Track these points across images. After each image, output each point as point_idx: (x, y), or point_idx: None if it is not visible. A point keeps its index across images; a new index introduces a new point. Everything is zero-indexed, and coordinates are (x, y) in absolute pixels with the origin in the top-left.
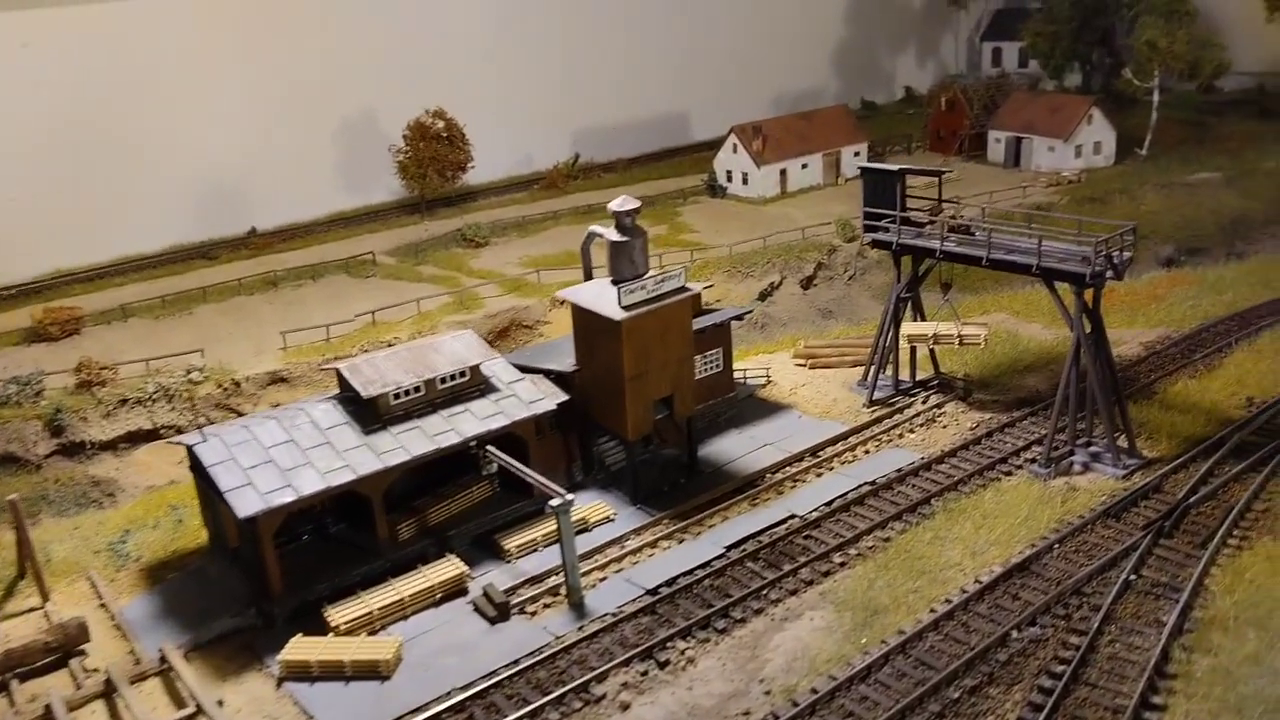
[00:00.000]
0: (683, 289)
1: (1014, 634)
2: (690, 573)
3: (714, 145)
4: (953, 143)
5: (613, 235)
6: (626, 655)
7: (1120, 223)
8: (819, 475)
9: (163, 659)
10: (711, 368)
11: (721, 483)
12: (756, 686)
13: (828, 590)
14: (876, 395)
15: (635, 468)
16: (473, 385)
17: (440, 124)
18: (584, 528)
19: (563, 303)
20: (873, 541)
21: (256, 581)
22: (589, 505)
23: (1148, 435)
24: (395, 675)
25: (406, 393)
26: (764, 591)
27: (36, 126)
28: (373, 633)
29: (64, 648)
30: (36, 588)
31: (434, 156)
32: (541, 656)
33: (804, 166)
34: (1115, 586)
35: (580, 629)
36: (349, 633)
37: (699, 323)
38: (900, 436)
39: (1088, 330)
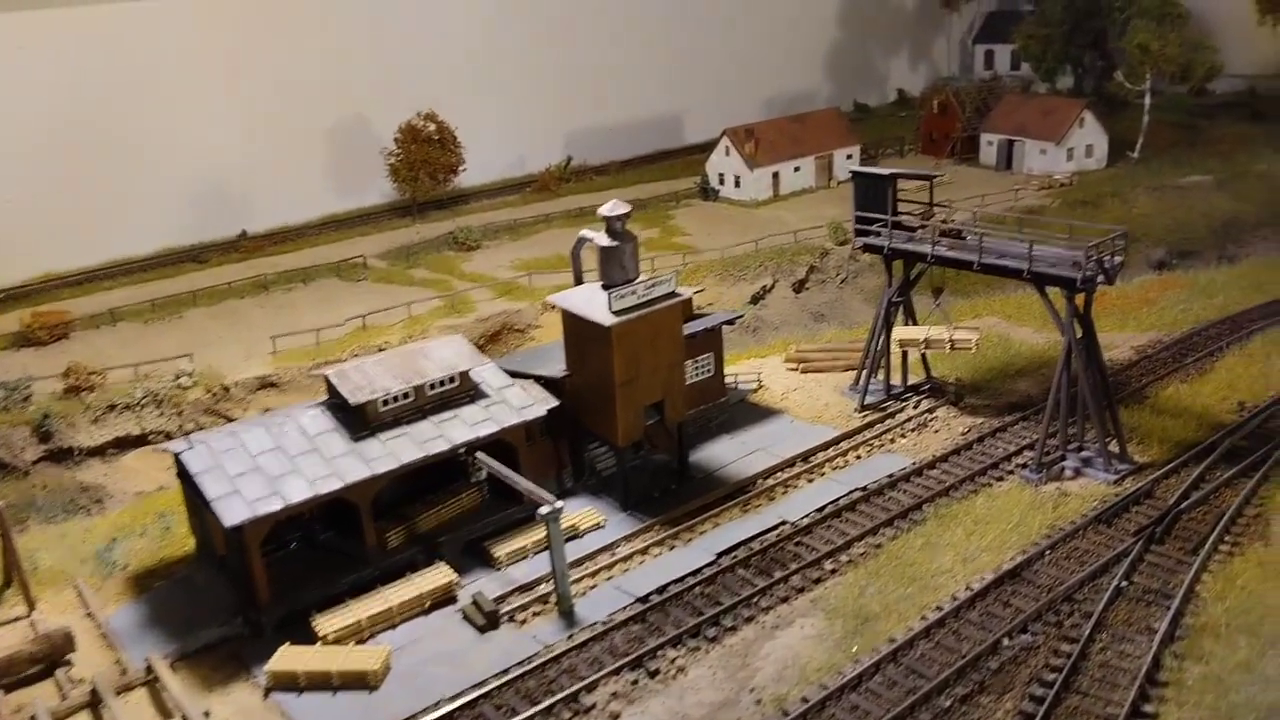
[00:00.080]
0: (673, 294)
1: (1005, 641)
2: (681, 580)
3: (707, 148)
4: (945, 145)
5: (603, 240)
6: (616, 664)
7: (1111, 227)
8: (810, 481)
9: (149, 669)
10: (702, 373)
11: (713, 489)
12: (747, 696)
13: (819, 597)
14: (868, 400)
15: (626, 474)
16: (462, 391)
17: (432, 126)
18: (574, 534)
19: (553, 307)
20: (864, 548)
21: (244, 590)
22: (579, 512)
23: (1139, 440)
24: (383, 685)
25: (395, 399)
26: (755, 599)
27: (27, 129)
28: (361, 642)
29: (50, 658)
30: (22, 596)
31: (425, 159)
32: (531, 666)
33: (796, 169)
34: (1107, 593)
35: (570, 637)
36: (337, 642)
37: (690, 328)
38: (892, 441)
39: (1079, 335)
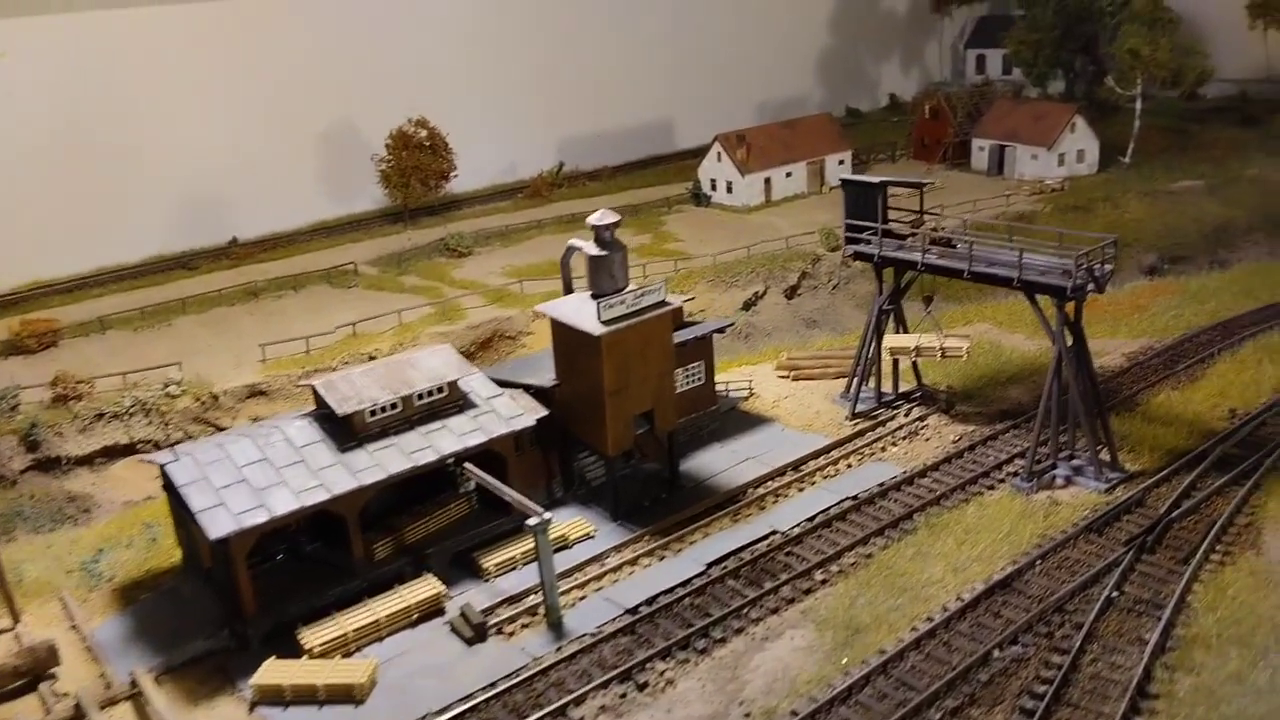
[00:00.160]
0: (663, 303)
1: (996, 653)
2: (670, 591)
3: (699, 153)
4: (936, 151)
5: (592, 249)
6: (605, 677)
7: (1101, 235)
8: (801, 490)
9: (133, 683)
10: (693, 381)
11: (703, 498)
12: (736, 709)
13: (809, 608)
14: (859, 408)
15: (616, 483)
16: (450, 401)
17: (423, 133)
18: (564, 545)
19: (543, 316)
20: (854, 558)
21: (230, 602)
22: (569, 522)
23: (1130, 448)
24: (370, 699)
25: (383, 409)
26: (745, 610)
27: (16, 136)
28: (348, 655)
29: (33, 671)
30: (7, 609)
31: (417, 165)
32: (519, 679)
33: (788, 175)
34: (1097, 604)
35: (558, 650)
36: (323, 655)
37: (680, 336)
38: (883, 450)
39: (1069, 343)
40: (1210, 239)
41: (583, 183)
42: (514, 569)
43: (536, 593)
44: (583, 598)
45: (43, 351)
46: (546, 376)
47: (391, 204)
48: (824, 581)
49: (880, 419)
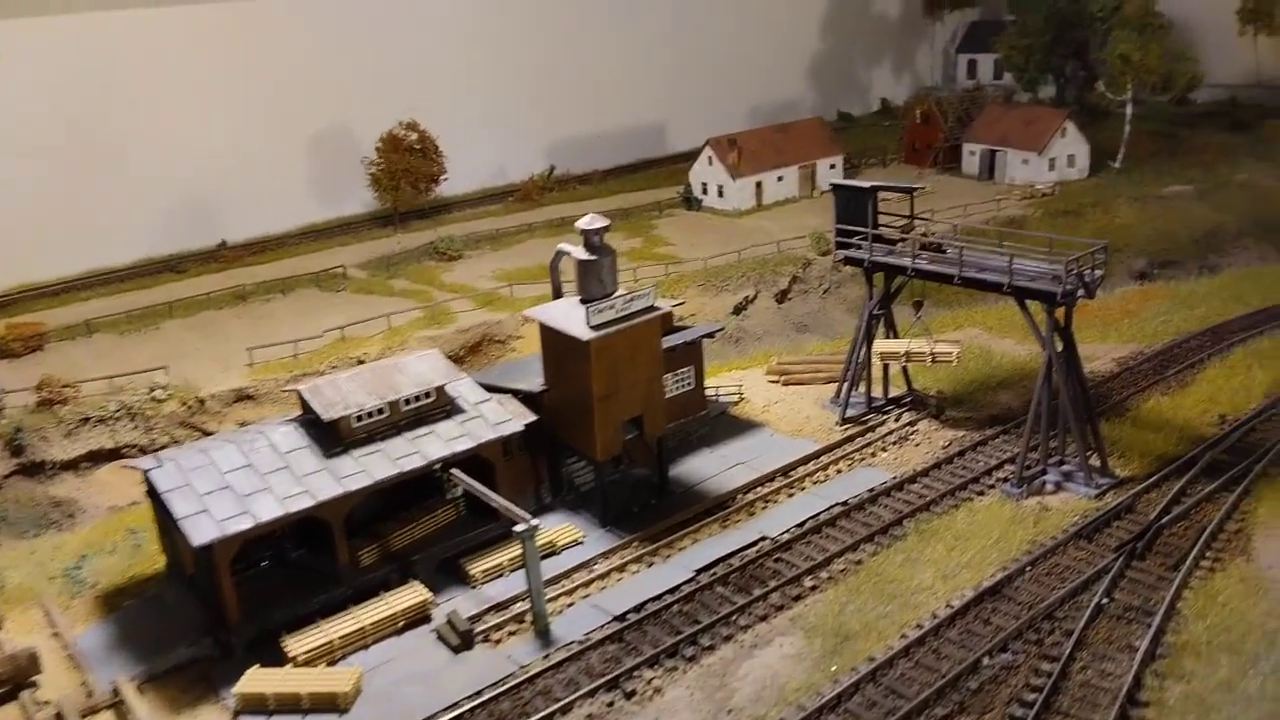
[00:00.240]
0: (652, 308)
1: (986, 660)
2: (659, 598)
3: (690, 157)
4: (928, 155)
5: (581, 254)
6: (592, 685)
7: (1091, 240)
8: (790, 495)
9: (115, 692)
10: (683, 386)
11: (692, 504)
12: (725, 717)
13: (798, 615)
14: (849, 413)
15: (605, 489)
16: (438, 406)
17: (413, 136)
18: (552, 551)
19: (532, 321)
20: (844, 564)
21: (213, 610)
22: (557, 527)
23: (1120, 454)
24: (354, 708)
25: (369, 415)
26: (733, 617)
27: (5, 139)
28: (332, 663)
29: (14, 679)
30: None
31: (406, 168)
32: (505, 687)
33: (779, 179)
34: (1087, 610)
35: (545, 657)
36: (308, 663)
37: (670, 341)
38: (873, 455)
39: (1059, 348)
40: (1200, 244)
41: (573, 186)
42: (501, 575)
43: (524, 600)
44: (571, 605)
45: (28, 355)
46: (535, 381)
47: (381, 207)
48: (813, 588)
49: (870, 424)
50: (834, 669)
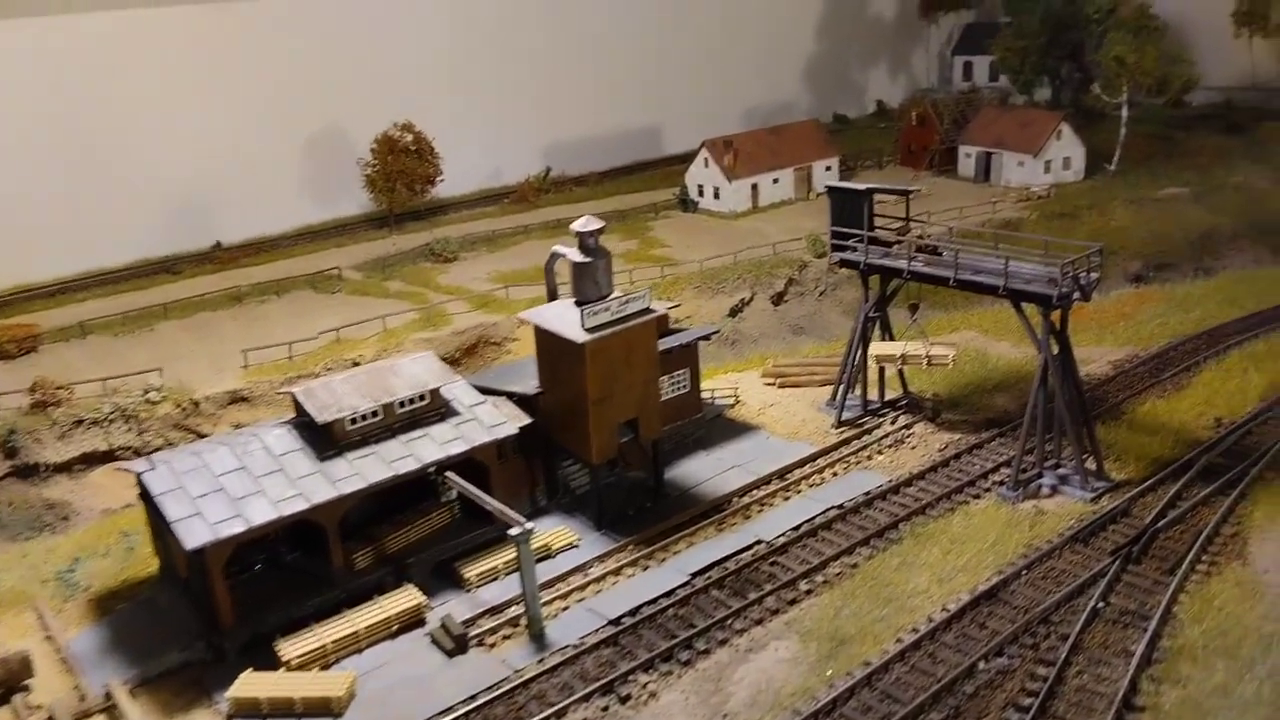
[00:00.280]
0: (647, 310)
1: (981, 665)
2: (654, 602)
3: (686, 159)
4: (923, 158)
5: (576, 256)
6: (587, 689)
7: (1087, 243)
8: (786, 499)
9: (108, 696)
10: (678, 388)
11: (688, 507)
12: None
13: (793, 619)
14: (845, 416)
15: (600, 492)
16: (432, 409)
17: (409, 137)
18: (547, 554)
19: (527, 323)
20: (839, 568)
21: (206, 613)
22: (552, 531)
23: (1116, 457)
24: (347, 712)
25: (364, 417)
26: (729, 621)
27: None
28: (326, 667)
29: (6, 683)
30: None
31: (402, 170)
32: (499, 691)
33: (775, 181)
34: (1083, 615)
35: (540, 661)
36: (301, 667)
37: (665, 343)
38: (869, 458)
39: (1055, 351)
40: (1196, 246)
41: (570, 188)
42: (496, 579)
43: (518, 603)
44: (565, 608)
45: (22, 356)
46: (530, 384)
47: (377, 209)
48: (809, 592)
49: (866, 427)
50: (829, 673)
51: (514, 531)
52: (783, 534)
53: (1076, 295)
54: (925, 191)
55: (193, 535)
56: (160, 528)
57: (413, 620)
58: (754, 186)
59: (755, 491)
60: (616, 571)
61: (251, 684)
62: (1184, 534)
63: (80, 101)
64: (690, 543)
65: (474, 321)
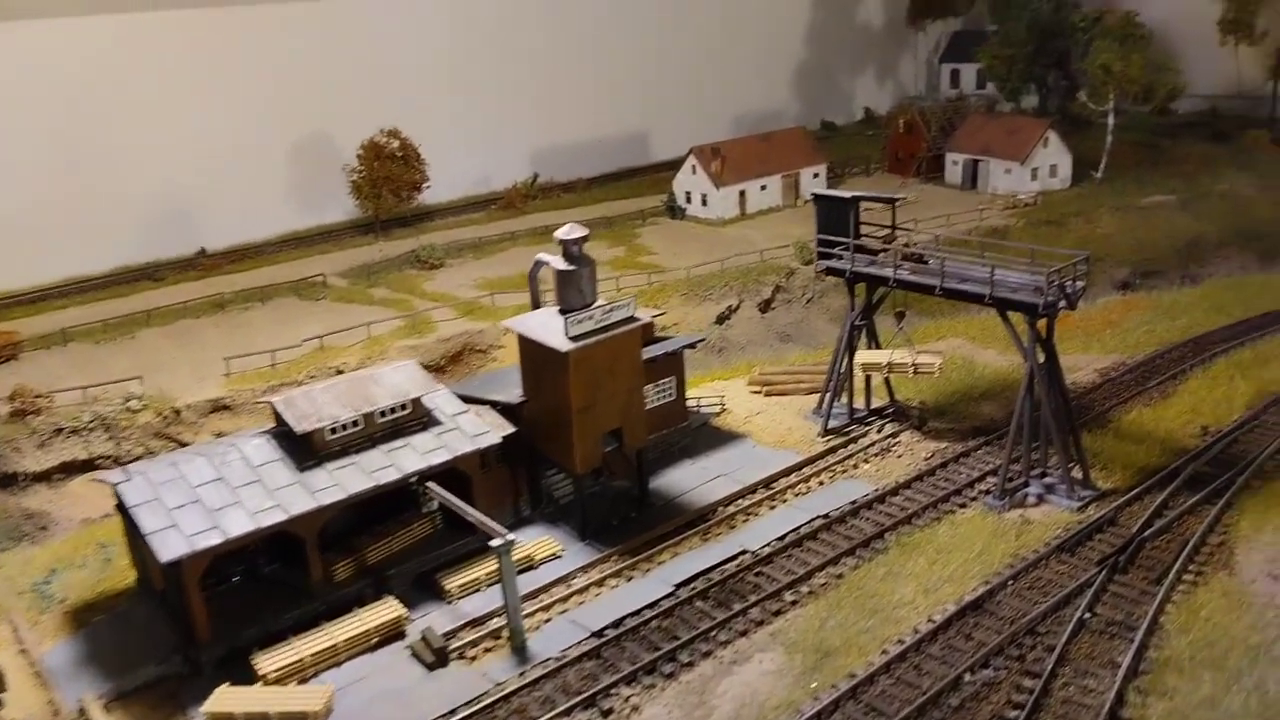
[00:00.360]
0: (631, 319)
1: (967, 677)
2: (638, 613)
3: (673, 166)
4: (911, 165)
5: (560, 264)
6: (569, 704)
7: (1073, 251)
8: (772, 508)
9: (82, 710)
10: (664, 397)
11: (673, 516)
12: None
13: (778, 631)
14: (831, 424)
15: (584, 502)
16: (414, 418)
17: (395, 143)
18: (530, 565)
19: (511, 331)
20: (825, 578)
21: (183, 626)
22: (535, 541)
23: (1102, 466)
24: None
25: (344, 427)
26: (713, 633)
27: None
28: (303, 681)
29: None
30: None
31: (388, 176)
32: (479, 705)
33: (763, 188)
34: (1069, 626)
35: (521, 675)
36: (278, 681)
37: (650, 351)
38: (855, 467)
39: (1041, 359)
40: (1182, 254)
41: (557, 194)
42: (478, 590)
43: (500, 615)
44: (548, 620)
45: (3, 364)
46: (514, 392)
47: (363, 215)
48: (794, 603)
49: (853, 435)
50: (814, 685)
51: (495, 543)
52: (768, 544)
53: (1062, 304)
54: (912, 199)
55: (168, 547)
56: (137, 539)
57: (393, 633)
58: (742, 193)
59: (741, 501)
60: (600, 582)
61: (227, 699)
62: (1170, 543)
63: (63, 107)
64: (675, 553)
65: (460, 329)
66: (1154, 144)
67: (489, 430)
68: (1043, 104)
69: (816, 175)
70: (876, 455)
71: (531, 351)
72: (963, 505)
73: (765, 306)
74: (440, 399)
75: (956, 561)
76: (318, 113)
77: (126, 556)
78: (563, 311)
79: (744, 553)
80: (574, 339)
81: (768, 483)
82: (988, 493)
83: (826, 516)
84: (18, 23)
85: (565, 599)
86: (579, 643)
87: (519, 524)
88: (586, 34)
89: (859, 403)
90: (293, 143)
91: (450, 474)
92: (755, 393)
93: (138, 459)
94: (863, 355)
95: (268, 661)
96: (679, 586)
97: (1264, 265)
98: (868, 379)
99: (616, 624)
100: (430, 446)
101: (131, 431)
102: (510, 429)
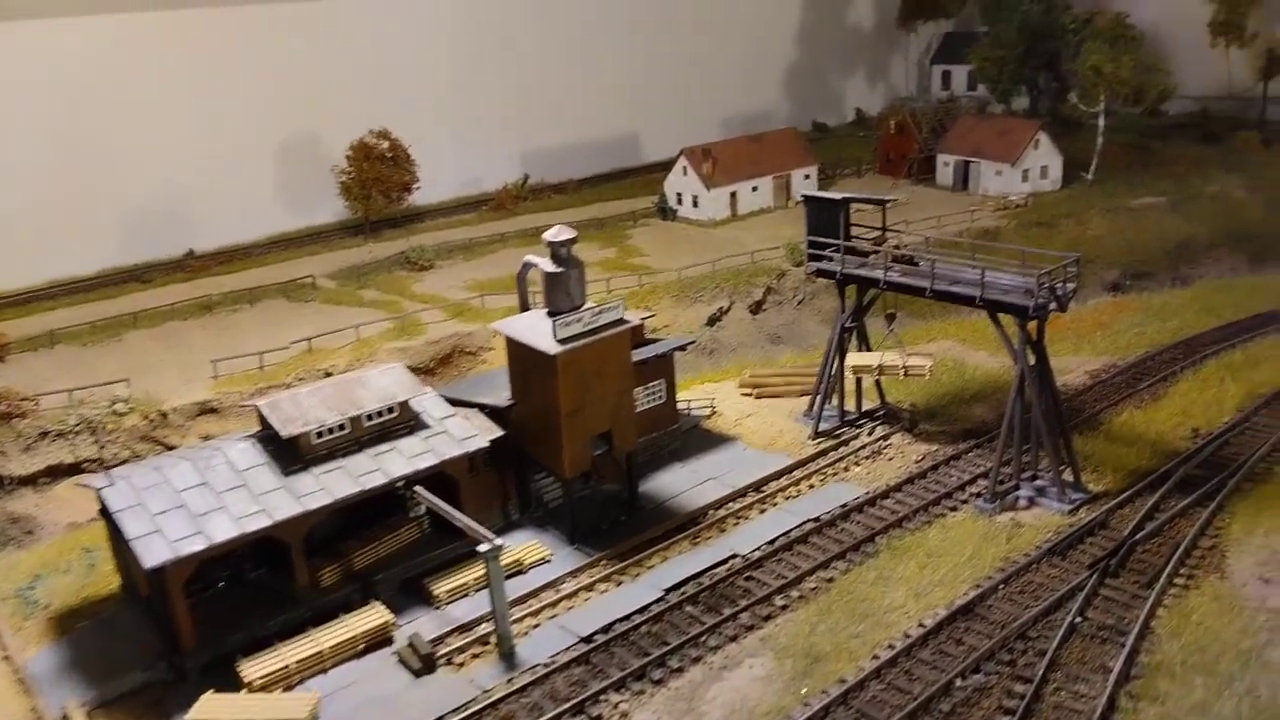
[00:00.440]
0: (621, 321)
1: (958, 682)
2: (627, 618)
3: (665, 167)
4: (902, 166)
5: (548, 266)
6: (557, 710)
7: (1064, 253)
8: (763, 511)
9: (65, 718)
10: (653, 399)
11: (662, 520)
12: None
13: (768, 636)
14: (822, 426)
15: (573, 506)
16: (401, 422)
17: (385, 144)
18: (518, 570)
19: (499, 334)
20: (815, 582)
21: (167, 633)
22: (524, 545)
23: (1093, 468)
24: None
25: (330, 431)
26: (702, 638)
27: None
28: (289, 688)
29: None
30: None
31: (378, 177)
32: (467, 712)
33: (754, 189)
34: (1061, 630)
35: (509, 681)
36: (264, 688)
37: (640, 354)
38: (846, 470)
39: (1032, 362)
40: (1172, 255)
41: (548, 196)
42: (466, 595)
43: (488, 621)
44: (536, 626)
45: None
46: (502, 395)
47: (352, 216)
48: (784, 607)
49: (843, 438)
50: (804, 691)
51: (483, 548)
52: (758, 548)
53: (1053, 306)
54: (903, 200)
55: (152, 553)
56: (121, 545)
57: (379, 639)
58: (733, 194)
59: (731, 504)
60: (589, 587)
61: (212, 706)
62: (1162, 547)
63: (50, 109)
64: (665, 557)
65: (449, 331)
66: (1144, 145)
67: (477, 434)
68: (1033, 105)
69: (808, 176)
70: (867, 458)
71: (520, 354)
72: (954, 508)
73: (756, 308)
74: (428, 402)
75: (947, 565)
76: (307, 113)
77: (111, 562)
78: (551, 314)
79: (734, 557)
80: (562, 341)
81: (758, 486)
82: (979, 496)
83: (817, 520)
84: (3, 24)
85: (554, 604)
86: (568, 648)
87: (508, 528)
88: (577, 35)
89: (850, 405)
90: (282, 143)
91: (438, 478)
92: (746, 395)
93: (124, 463)
94: (853, 358)
95: (253, 668)
96: (669, 591)
97: (1254, 267)
98: (858, 381)
99: (606, 629)
100: (417, 450)
101: (118, 435)
102: (498, 432)
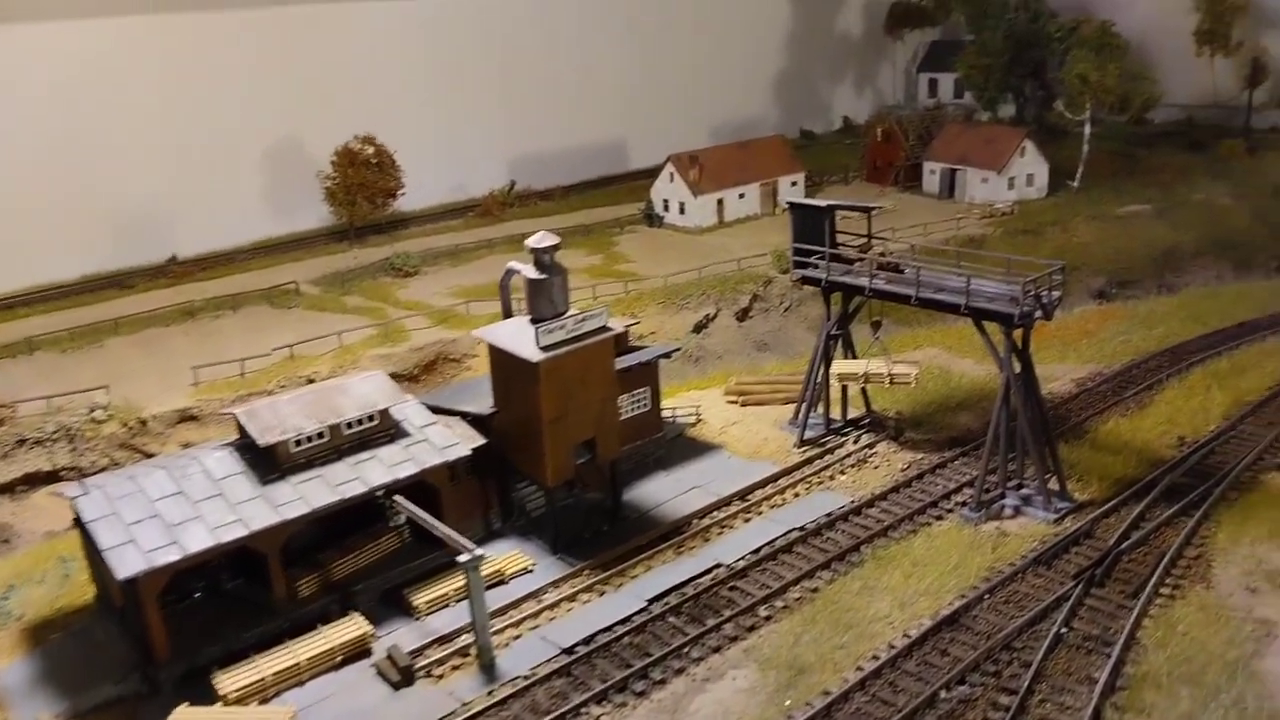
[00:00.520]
0: (604, 328)
1: (943, 694)
2: (610, 629)
3: (652, 173)
4: (889, 174)
5: (531, 272)
6: None
7: (1049, 261)
8: (747, 520)
9: None
10: (638, 407)
11: (646, 529)
12: None
13: (752, 647)
14: (807, 435)
15: (556, 515)
16: (381, 430)
17: (370, 150)
18: (500, 580)
19: (481, 341)
20: (800, 592)
21: (142, 644)
22: (506, 555)
23: (1079, 477)
24: None
25: (309, 439)
26: (685, 649)
27: None
28: (265, 701)
29: None
30: None
31: (363, 183)
32: None
33: (741, 196)
34: (1046, 640)
35: (489, 694)
36: (239, 701)
37: (625, 361)
38: (831, 478)
39: (1017, 370)
40: (1158, 263)
41: (535, 202)
42: (447, 606)
43: (469, 631)
44: (518, 637)
45: None
46: (484, 403)
47: (337, 222)
48: (768, 618)
49: (829, 446)
50: (788, 704)
51: (463, 558)
52: (742, 557)
53: (1038, 314)
54: (890, 207)
55: (125, 564)
56: (95, 555)
57: (358, 650)
58: (720, 201)
59: (715, 513)
60: (572, 597)
61: (187, 719)
62: (1147, 556)
63: (31, 113)
64: (648, 567)
65: (434, 337)
66: (1130, 153)
67: (458, 442)
68: (1020, 113)
69: (795, 184)
70: (853, 466)
71: (502, 361)
72: (939, 517)
73: (743, 315)
74: (409, 410)
75: (932, 575)
76: (291, 119)
77: (86, 572)
78: (534, 321)
79: (718, 566)
80: (545, 349)
81: (743, 495)
82: (964, 504)
83: (802, 529)
84: None
85: (536, 614)
86: (549, 660)
87: (489, 537)
88: (564, 41)
89: (835, 413)
90: (266, 149)
91: (419, 487)
92: (731, 403)
93: (102, 471)
94: (839, 365)
95: (228, 680)
96: (652, 601)
97: (1239, 274)
98: (844, 389)
99: (588, 640)
100: (398, 459)
101: (96, 442)
102: (480, 441)
